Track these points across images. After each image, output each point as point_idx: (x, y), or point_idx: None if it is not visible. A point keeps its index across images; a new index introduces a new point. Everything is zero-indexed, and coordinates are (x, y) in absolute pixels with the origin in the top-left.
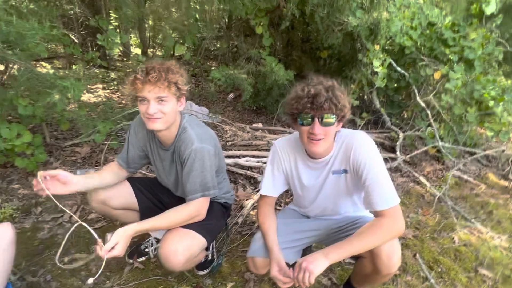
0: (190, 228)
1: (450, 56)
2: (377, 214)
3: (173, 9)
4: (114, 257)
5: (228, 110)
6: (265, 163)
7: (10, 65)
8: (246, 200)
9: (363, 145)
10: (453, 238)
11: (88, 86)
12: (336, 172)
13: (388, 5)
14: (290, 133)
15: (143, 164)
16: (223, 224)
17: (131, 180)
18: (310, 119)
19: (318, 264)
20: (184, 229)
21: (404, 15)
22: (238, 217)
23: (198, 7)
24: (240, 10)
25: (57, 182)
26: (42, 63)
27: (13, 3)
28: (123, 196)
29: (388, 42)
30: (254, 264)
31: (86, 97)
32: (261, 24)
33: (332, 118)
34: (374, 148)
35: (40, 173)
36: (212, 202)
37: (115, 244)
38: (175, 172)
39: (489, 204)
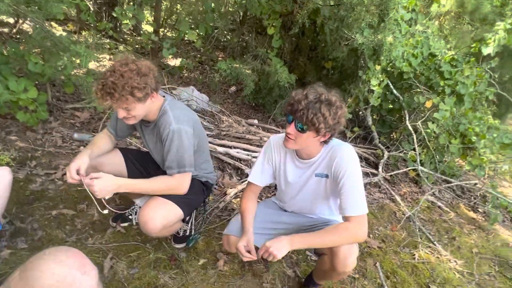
0: (169, 199)
1: (444, 88)
2: (345, 219)
3: None
4: (88, 186)
5: (228, 102)
6: (254, 157)
7: (21, 20)
8: (230, 188)
9: (347, 156)
10: (413, 255)
11: (96, 55)
12: (319, 175)
13: (395, 30)
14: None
15: (130, 133)
16: (201, 201)
17: (124, 150)
18: (290, 119)
19: (282, 250)
20: (163, 199)
21: (408, 42)
22: (220, 202)
23: None
24: (256, 9)
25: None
26: (53, 23)
27: None
28: (114, 164)
29: (389, 64)
30: (228, 242)
31: (92, 65)
32: (274, 25)
33: (302, 127)
34: (356, 161)
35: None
36: (193, 179)
37: (98, 178)
38: (159, 149)
39: (454, 230)
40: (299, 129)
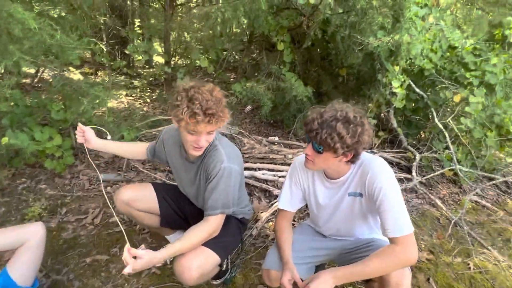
0: (205, 245)
1: (471, 79)
2: (390, 240)
3: (196, 23)
4: (127, 269)
5: (245, 122)
6: (280, 177)
7: (41, 69)
8: (261, 213)
9: (379, 172)
10: (468, 264)
11: (113, 92)
12: (352, 194)
13: (410, 28)
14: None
15: (165, 162)
16: (239, 241)
17: (156, 185)
18: (309, 139)
19: (325, 286)
20: (199, 246)
21: (425, 38)
22: (253, 229)
23: (222, 22)
24: (263, 27)
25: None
26: (71, 68)
27: (53, 15)
28: (147, 200)
29: (407, 63)
30: (269, 277)
31: (110, 103)
32: (283, 41)
33: (318, 147)
34: (390, 175)
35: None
36: (230, 218)
37: (139, 257)
38: (197, 185)
39: (507, 231)
40: (316, 150)
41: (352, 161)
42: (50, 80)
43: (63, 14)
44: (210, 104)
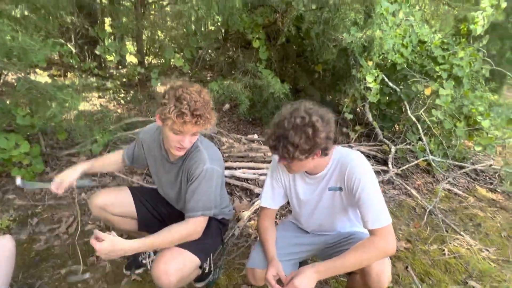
0: (184, 247)
1: (440, 73)
2: (370, 232)
3: (169, 21)
4: (95, 250)
5: (224, 120)
6: (260, 175)
7: (5, 73)
8: (243, 212)
9: (358, 166)
10: (443, 251)
11: (84, 95)
12: (332, 188)
13: (382, 23)
14: None
15: (145, 165)
16: (219, 243)
17: (133, 189)
18: None
19: (309, 282)
20: (178, 248)
21: (396, 33)
22: (235, 229)
23: (196, 20)
24: (238, 24)
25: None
26: (38, 70)
27: (16, 15)
28: (123, 204)
29: (380, 58)
30: (254, 276)
31: (82, 106)
32: (258, 38)
33: (283, 159)
34: (367, 168)
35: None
36: (209, 220)
37: (102, 238)
38: (179, 186)
39: (477, 216)
40: (285, 162)
41: (325, 154)
42: (15, 84)
43: (26, 13)
44: (198, 105)
